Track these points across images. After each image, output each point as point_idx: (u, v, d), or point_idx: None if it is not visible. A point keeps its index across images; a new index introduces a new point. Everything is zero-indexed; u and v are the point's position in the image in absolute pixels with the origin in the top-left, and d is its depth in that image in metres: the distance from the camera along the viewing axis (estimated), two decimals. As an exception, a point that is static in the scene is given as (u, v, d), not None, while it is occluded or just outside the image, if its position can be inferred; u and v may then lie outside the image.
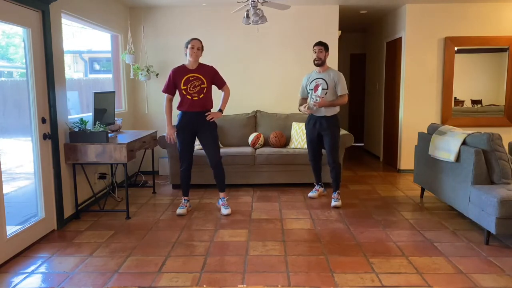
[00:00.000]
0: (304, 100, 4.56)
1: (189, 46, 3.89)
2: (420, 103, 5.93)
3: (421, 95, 5.92)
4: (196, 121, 4.00)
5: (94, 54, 8.79)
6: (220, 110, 4.11)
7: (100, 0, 4.87)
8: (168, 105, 4.06)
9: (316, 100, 4.25)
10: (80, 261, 3.07)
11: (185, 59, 4.02)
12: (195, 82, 3.93)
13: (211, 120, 4.03)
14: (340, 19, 5.96)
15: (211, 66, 4.09)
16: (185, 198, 4.27)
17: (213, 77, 4.05)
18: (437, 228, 3.70)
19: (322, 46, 4.30)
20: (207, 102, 4.03)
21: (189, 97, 3.94)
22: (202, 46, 3.98)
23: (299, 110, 4.50)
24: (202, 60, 4.08)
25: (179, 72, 3.97)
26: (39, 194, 3.55)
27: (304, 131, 5.22)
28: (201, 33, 5.77)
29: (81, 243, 3.42)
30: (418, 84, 5.91)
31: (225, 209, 4.16)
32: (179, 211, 4.17)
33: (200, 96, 3.95)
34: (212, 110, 4.12)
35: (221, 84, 4.12)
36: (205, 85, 3.97)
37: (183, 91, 3.95)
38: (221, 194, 4.26)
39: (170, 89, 4.02)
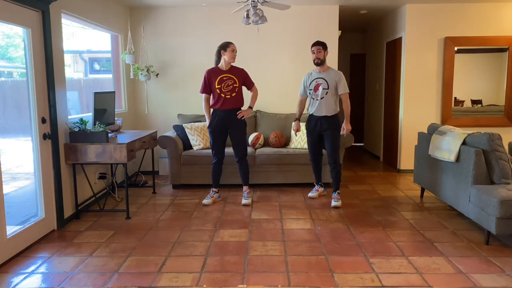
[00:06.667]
0: (303, 101, 4.59)
1: (229, 49, 4.21)
2: (420, 103, 5.93)
3: (421, 95, 5.92)
4: (228, 118, 4.30)
5: (94, 54, 8.78)
6: (250, 107, 4.39)
7: (100, 0, 4.87)
8: (207, 104, 4.37)
9: (342, 134, 4.39)
10: (80, 261, 3.07)
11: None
12: (228, 82, 4.26)
13: (242, 118, 4.32)
14: (340, 19, 5.96)
15: (242, 69, 4.41)
16: (214, 189, 4.55)
17: (244, 78, 4.39)
18: (437, 228, 3.70)
19: (320, 45, 4.30)
20: (238, 101, 4.35)
21: (223, 95, 4.26)
22: None
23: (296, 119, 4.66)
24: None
25: (214, 73, 4.29)
26: (39, 194, 3.55)
27: (304, 131, 5.22)
28: (201, 33, 5.78)
29: (81, 243, 3.42)
30: (418, 84, 5.91)
31: (245, 199, 4.46)
32: (205, 201, 4.46)
33: (233, 95, 4.28)
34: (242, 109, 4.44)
35: (250, 85, 4.46)
36: (237, 85, 4.30)
37: (217, 89, 4.26)
38: (244, 187, 4.55)
39: (207, 89, 4.33)
